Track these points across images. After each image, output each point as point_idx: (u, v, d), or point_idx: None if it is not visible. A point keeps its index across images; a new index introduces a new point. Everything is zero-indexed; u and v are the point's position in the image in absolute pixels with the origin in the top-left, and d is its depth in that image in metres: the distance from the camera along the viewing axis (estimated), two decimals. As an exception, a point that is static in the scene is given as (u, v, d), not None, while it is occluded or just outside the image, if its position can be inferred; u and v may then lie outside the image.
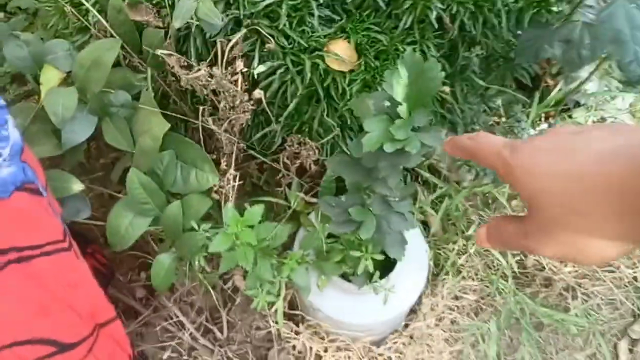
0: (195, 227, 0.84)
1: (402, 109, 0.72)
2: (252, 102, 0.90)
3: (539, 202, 0.36)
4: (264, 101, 0.87)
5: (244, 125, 0.92)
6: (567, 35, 0.91)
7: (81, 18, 0.94)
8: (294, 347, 1.16)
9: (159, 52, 0.81)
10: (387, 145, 0.71)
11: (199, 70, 0.82)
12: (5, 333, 0.59)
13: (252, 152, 1.04)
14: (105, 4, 0.93)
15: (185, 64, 0.83)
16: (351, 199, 0.84)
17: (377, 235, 0.86)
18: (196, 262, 0.88)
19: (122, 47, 0.91)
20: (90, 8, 0.91)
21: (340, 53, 0.92)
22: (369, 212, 0.84)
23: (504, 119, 1.27)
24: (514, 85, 1.19)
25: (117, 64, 0.93)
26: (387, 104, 0.75)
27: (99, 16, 0.92)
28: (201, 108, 0.89)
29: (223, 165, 0.97)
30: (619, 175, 0.31)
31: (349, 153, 0.92)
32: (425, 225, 1.23)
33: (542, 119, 1.26)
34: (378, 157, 0.75)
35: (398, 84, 0.72)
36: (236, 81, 0.90)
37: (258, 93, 0.84)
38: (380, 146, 0.72)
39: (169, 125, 0.82)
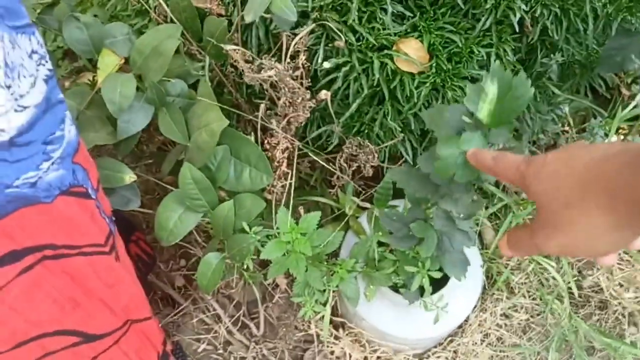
0: (247, 229, 0.80)
1: (483, 131, 0.66)
2: (314, 101, 0.85)
3: (541, 201, 0.42)
4: (329, 104, 0.82)
5: (302, 124, 0.87)
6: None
7: (142, 0, 0.90)
8: (332, 352, 1.12)
9: (225, 46, 0.76)
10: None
11: (269, 68, 0.77)
12: (35, 326, 0.58)
13: (306, 149, 0.99)
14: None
15: (251, 58, 0.78)
16: (413, 213, 0.79)
17: (437, 253, 0.80)
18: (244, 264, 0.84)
19: (182, 34, 0.87)
20: (151, -9, 0.87)
21: (411, 53, 0.86)
22: (430, 228, 0.78)
23: (572, 129, 1.19)
24: (590, 95, 1.12)
25: (175, 51, 0.89)
26: (467, 120, 0.68)
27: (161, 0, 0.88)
28: (262, 106, 0.84)
29: (276, 164, 0.93)
30: (609, 169, 0.37)
31: (412, 164, 0.86)
32: (479, 236, 1.17)
33: (616, 132, 1.18)
34: (451, 178, 0.69)
35: (483, 102, 0.66)
36: (298, 77, 0.85)
37: (324, 94, 0.79)
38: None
39: (228, 122, 0.78)
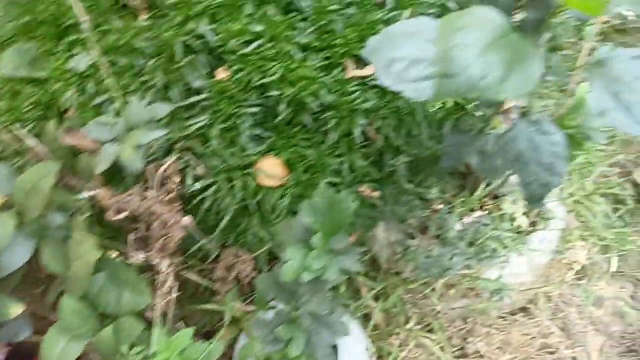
0: (126, 353, 0.84)
1: (318, 239, 0.76)
2: (186, 219, 0.93)
3: None
4: (192, 225, 0.90)
5: (177, 243, 0.94)
6: (482, 147, 0.98)
7: (18, 143, 0.97)
8: None
9: (84, 195, 0.84)
10: (305, 275, 0.74)
11: (142, 199, 0.85)
12: None
13: (191, 261, 1.06)
14: (42, 127, 0.97)
15: (115, 198, 0.86)
16: (280, 317, 0.86)
17: (309, 351, 0.88)
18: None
19: (60, 169, 0.94)
20: (27, 134, 0.94)
21: (271, 170, 0.97)
22: (297, 329, 0.86)
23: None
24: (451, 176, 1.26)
25: (56, 185, 0.95)
26: (307, 231, 0.78)
27: (36, 141, 0.95)
28: (130, 238, 0.91)
29: (162, 279, 0.99)
30: None
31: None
32: (366, 319, 1.26)
33: (476, 209, 1.32)
34: (299, 284, 0.78)
35: (314, 214, 0.76)
36: (170, 201, 0.94)
37: (186, 220, 0.88)
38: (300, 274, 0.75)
39: (101, 253, 0.85)
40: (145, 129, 0.78)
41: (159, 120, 0.91)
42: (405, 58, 0.72)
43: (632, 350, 1.38)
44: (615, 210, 1.53)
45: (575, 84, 0.79)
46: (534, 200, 0.84)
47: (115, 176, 0.98)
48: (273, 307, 1.03)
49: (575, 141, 0.89)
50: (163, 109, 0.82)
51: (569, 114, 0.87)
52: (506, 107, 0.99)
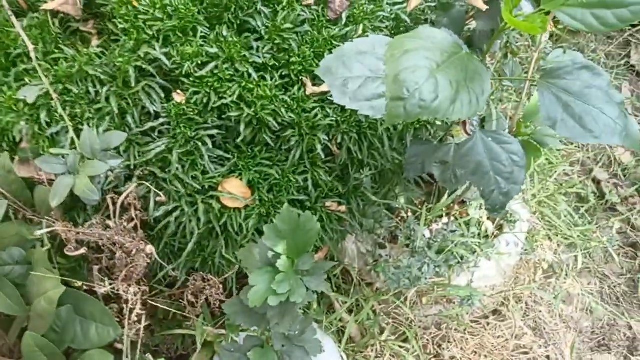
0: (95, 388, 0.82)
1: (283, 261, 0.75)
2: (149, 248, 0.91)
3: None
4: (155, 255, 0.89)
5: (142, 270, 0.93)
6: (443, 157, 0.99)
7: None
8: None
9: (38, 233, 0.82)
10: (272, 299, 0.74)
11: (103, 228, 0.84)
12: None
13: (160, 287, 1.05)
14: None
15: (74, 230, 0.84)
16: (250, 341, 0.85)
17: (281, 372, 0.87)
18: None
19: (15, 203, 0.92)
20: (-21, 169, 0.91)
21: (234, 191, 0.96)
22: (269, 352, 0.85)
23: (408, 218, 1.33)
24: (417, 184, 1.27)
25: (9, 219, 0.93)
26: (271, 255, 0.78)
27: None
28: (94, 268, 0.89)
29: (130, 307, 0.97)
30: None
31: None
32: (341, 333, 1.26)
33: (443, 216, 1.34)
34: (267, 307, 0.77)
35: (277, 237, 0.76)
36: (132, 228, 0.92)
37: (149, 248, 0.86)
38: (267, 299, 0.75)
39: (64, 288, 0.82)
40: (100, 159, 0.76)
41: (116, 148, 0.90)
42: (359, 76, 0.73)
43: (603, 344, 1.41)
44: (578, 208, 1.56)
45: (527, 93, 0.81)
46: (495, 209, 0.85)
47: (76, 205, 0.96)
48: (245, 329, 1.02)
49: (532, 147, 0.91)
50: (117, 138, 0.81)
51: (524, 122, 0.88)
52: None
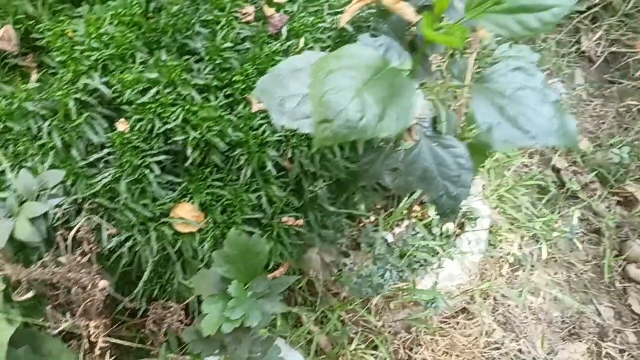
0: None
1: (235, 287, 0.75)
2: (104, 283, 0.90)
3: None
4: (109, 290, 0.88)
5: (100, 304, 0.91)
6: (393, 164, 0.99)
7: None
8: None
9: None
10: (225, 326, 0.73)
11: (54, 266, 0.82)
12: None
13: (121, 318, 1.03)
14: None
15: (25, 271, 0.82)
16: (212, 367, 0.85)
17: (247, 395, 0.86)
18: None
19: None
20: None
21: (186, 215, 0.95)
22: (233, 376, 0.85)
23: (369, 225, 1.33)
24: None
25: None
26: (222, 280, 0.77)
27: None
28: (48, 308, 0.88)
29: (92, 340, 0.95)
30: None
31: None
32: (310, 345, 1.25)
33: (403, 219, 1.34)
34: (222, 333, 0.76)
35: (227, 263, 0.75)
36: (87, 262, 0.90)
37: (103, 284, 0.85)
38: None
39: (13, 329, 0.80)
40: (40, 199, 0.75)
41: (63, 182, 0.88)
42: (295, 94, 0.72)
43: (574, 333, 1.43)
44: (540, 198, 1.59)
45: (466, 99, 0.82)
46: (446, 214, 0.85)
47: (26, 245, 0.94)
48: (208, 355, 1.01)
49: (478, 149, 0.91)
50: (54, 177, 0.79)
51: (467, 125, 0.89)
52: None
